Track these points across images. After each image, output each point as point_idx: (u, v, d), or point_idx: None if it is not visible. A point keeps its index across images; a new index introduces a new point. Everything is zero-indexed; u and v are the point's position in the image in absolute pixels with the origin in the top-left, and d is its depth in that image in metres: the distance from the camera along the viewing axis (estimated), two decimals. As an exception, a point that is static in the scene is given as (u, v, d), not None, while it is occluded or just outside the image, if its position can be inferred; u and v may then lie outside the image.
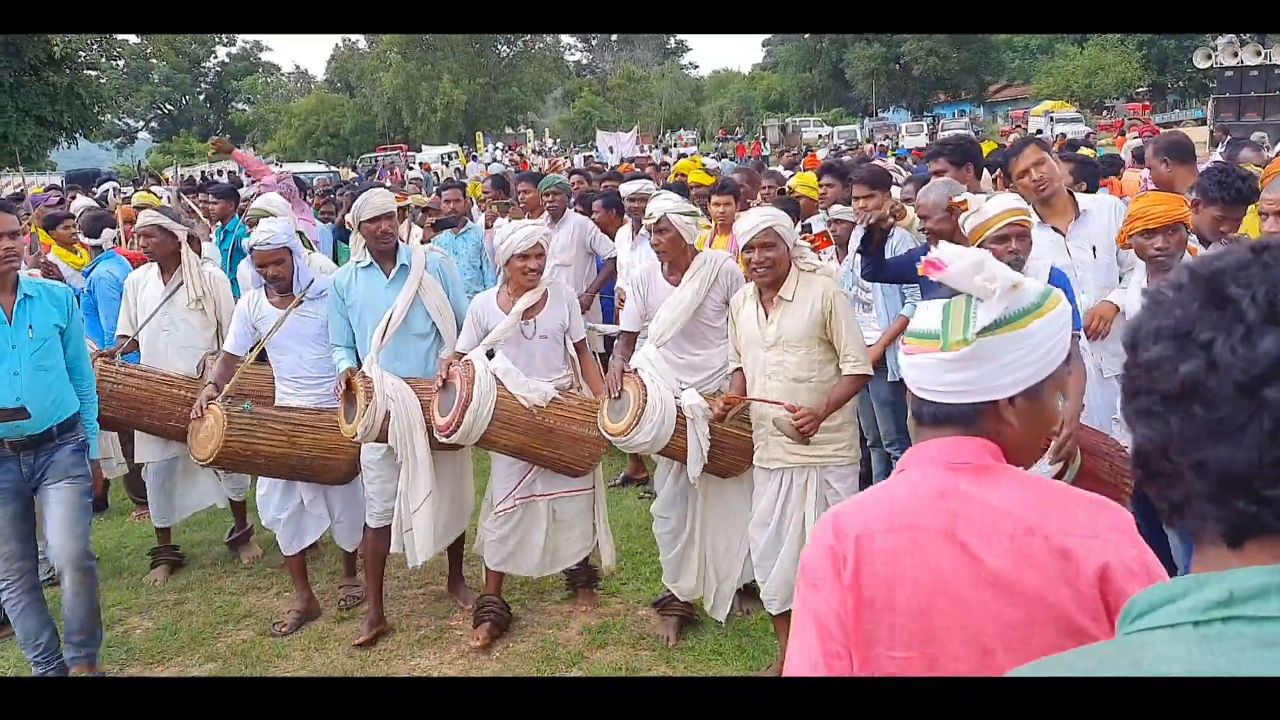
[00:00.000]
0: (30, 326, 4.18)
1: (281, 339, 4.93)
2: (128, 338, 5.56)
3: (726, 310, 4.43)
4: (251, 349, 4.95)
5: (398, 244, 4.85)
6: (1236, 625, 0.85)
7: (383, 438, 4.57)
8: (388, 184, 11.02)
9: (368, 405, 4.42)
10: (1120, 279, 4.52)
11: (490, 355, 4.61)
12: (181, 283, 5.58)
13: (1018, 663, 1.37)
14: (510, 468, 4.74)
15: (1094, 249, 4.53)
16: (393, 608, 5.11)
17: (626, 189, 7.25)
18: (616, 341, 4.99)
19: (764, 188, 8.02)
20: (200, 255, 6.23)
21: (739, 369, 4.23)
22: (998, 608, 1.54)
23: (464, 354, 4.56)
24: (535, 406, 4.48)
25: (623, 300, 5.46)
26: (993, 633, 1.54)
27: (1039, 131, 26.71)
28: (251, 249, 4.90)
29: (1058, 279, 3.84)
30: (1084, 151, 11.10)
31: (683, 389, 4.40)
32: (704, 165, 11.50)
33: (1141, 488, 1.00)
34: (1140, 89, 50.98)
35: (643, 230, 5.74)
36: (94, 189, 13.83)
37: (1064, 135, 23.23)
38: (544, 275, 4.73)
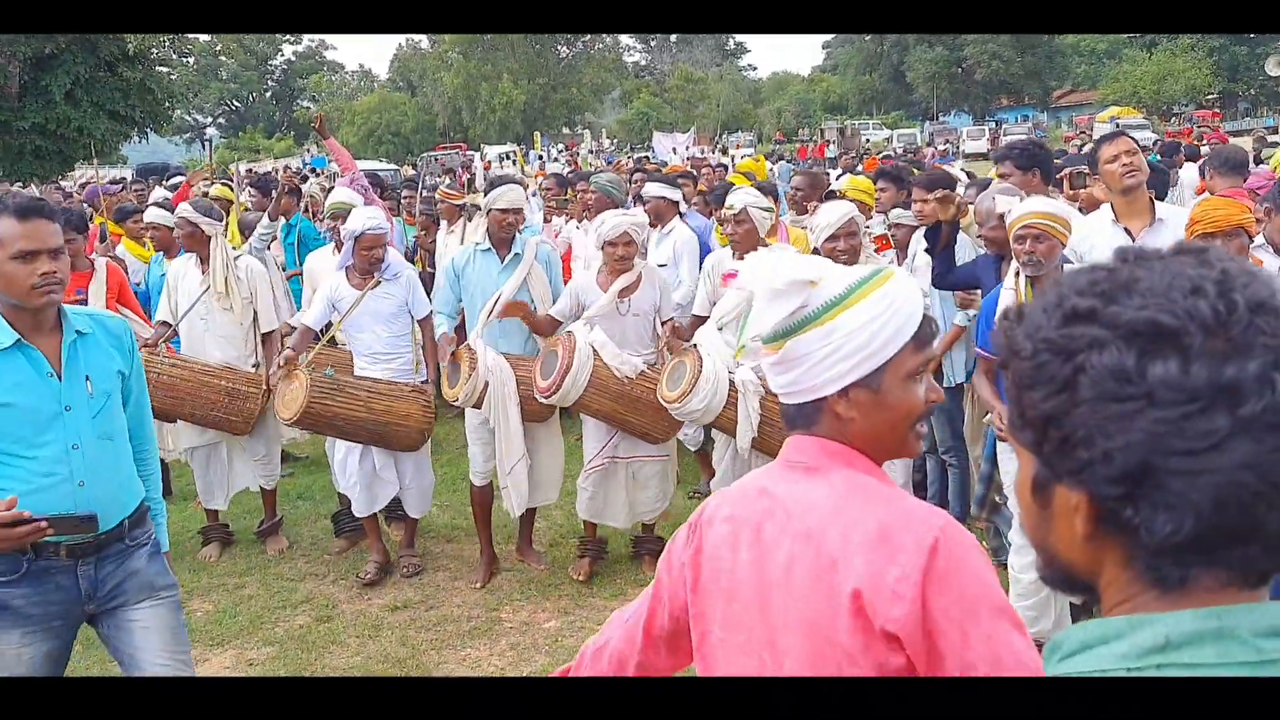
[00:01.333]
0: (88, 378, 2.88)
1: (360, 318, 5.36)
2: (168, 325, 5.77)
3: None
4: (328, 327, 5.38)
5: (515, 234, 5.34)
6: (1171, 673, 0.81)
7: (478, 405, 5.08)
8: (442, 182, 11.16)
9: (470, 375, 4.92)
10: None
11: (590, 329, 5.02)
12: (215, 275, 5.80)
13: (785, 664, 1.52)
14: (598, 430, 5.24)
15: None
16: (445, 599, 5.21)
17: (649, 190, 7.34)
18: (687, 324, 5.44)
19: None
20: (245, 243, 6.71)
21: None
22: (777, 607, 1.55)
23: (559, 321, 5.13)
24: (626, 377, 4.88)
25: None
26: (769, 632, 1.56)
27: (1097, 138, 26.20)
28: (361, 233, 5.25)
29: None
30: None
31: (739, 365, 4.69)
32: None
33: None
34: (1210, 96, 49.88)
35: (663, 227, 6.57)
36: (165, 182, 14.16)
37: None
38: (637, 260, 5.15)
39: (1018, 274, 4.01)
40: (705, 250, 6.50)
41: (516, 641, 4.72)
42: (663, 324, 5.22)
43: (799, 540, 1.53)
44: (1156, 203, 4.65)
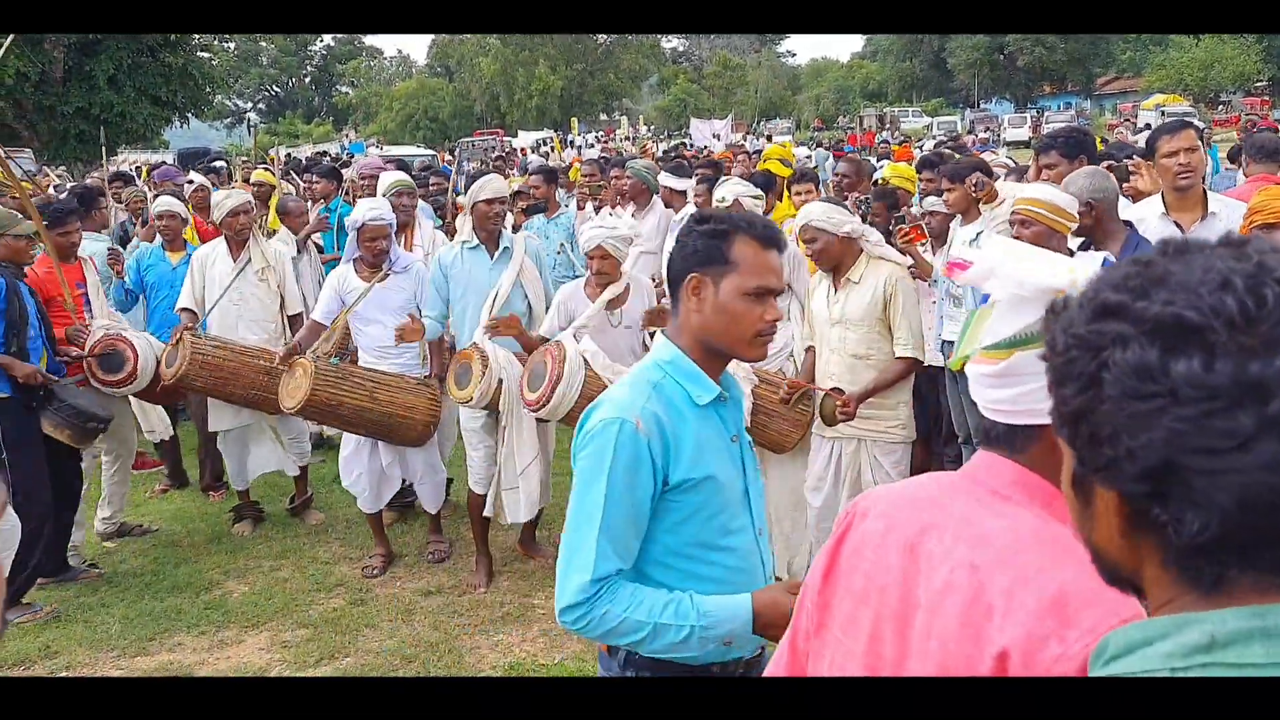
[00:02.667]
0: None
1: (368, 311, 5.30)
2: (190, 311, 5.83)
3: (791, 294, 4.91)
4: (336, 319, 5.31)
5: (502, 229, 5.27)
6: (1217, 673, 0.78)
7: (491, 405, 4.93)
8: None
9: (484, 373, 4.78)
10: None
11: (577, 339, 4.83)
12: (250, 259, 5.90)
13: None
14: None
15: None
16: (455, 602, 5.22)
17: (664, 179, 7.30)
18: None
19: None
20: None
21: (810, 347, 4.70)
22: (918, 632, 1.39)
23: (547, 339, 4.83)
24: None
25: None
26: (899, 653, 1.41)
27: (1147, 126, 25.78)
28: (363, 224, 5.22)
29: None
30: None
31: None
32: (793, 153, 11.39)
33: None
34: (1260, 83, 48.83)
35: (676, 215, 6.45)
36: (206, 165, 14.32)
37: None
38: (626, 268, 5.01)
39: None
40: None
41: (548, 628, 4.72)
42: (651, 335, 5.10)
43: (962, 570, 1.34)
44: (1210, 194, 4.54)
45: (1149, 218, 4.52)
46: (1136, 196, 5.21)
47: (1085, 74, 61.36)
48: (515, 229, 7.89)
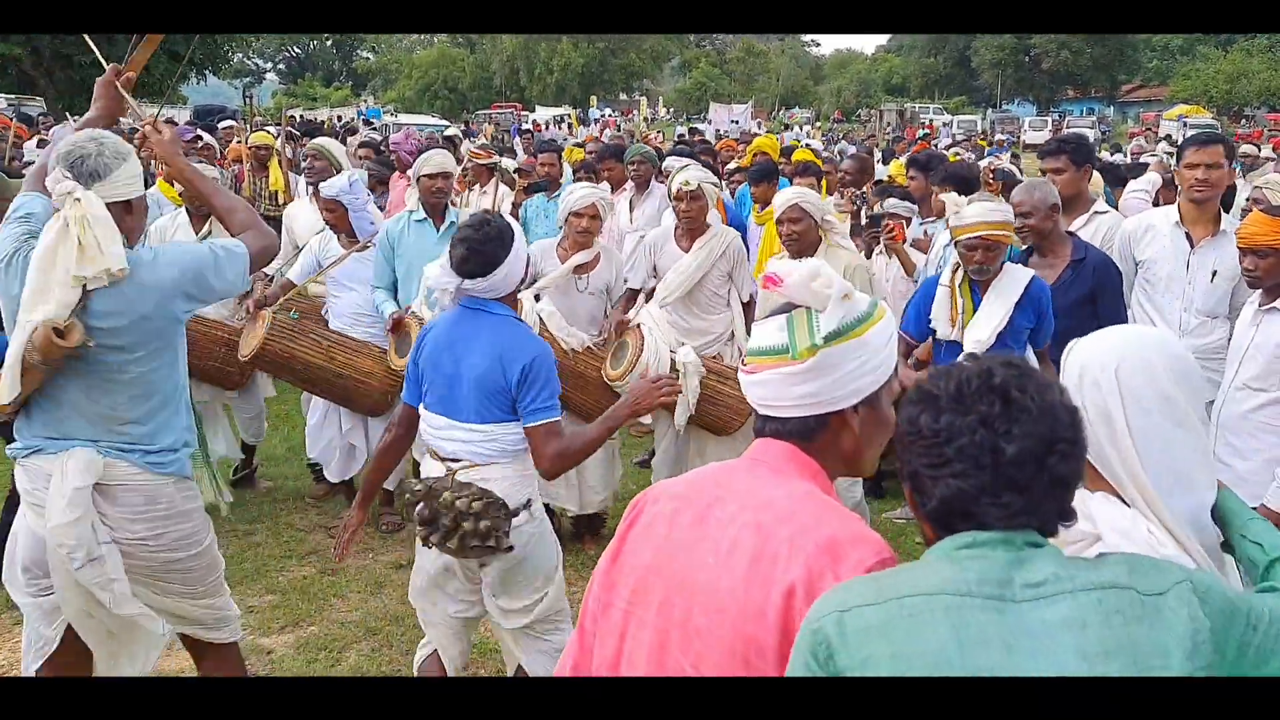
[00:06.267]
0: None
1: (344, 278, 5.36)
2: None
3: (730, 282, 5.19)
4: (308, 280, 5.39)
5: (448, 203, 5.39)
6: (937, 557, 1.41)
7: None
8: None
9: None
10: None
11: (537, 299, 4.92)
12: (211, 231, 5.66)
13: (693, 645, 1.58)
14: None
15: (1214, 273, 4.37)
16: (449, 560, 5.23)
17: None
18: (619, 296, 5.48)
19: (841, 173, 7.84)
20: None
21: None
22: (704, 587, 1.58)
23: None
24: (571, 350, 4.78)
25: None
26: (686, 607, 1.60)
27: (1167, 136, 25.59)
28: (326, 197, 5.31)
29: (1037, 289, 3.99)
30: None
31: (680, 344, 4.85)
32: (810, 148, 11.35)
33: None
34: (1285, 99, 48.46)
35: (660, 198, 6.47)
36: (216, 125, 14.27)
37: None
38: (601, 237, 5.15)
39: (956, 270, 4.12)
40: (738, 227, 6.41)
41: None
42: (612, 307, 5.23)
43: (747, 530, 1.57)
44: (1224, 214, 4.58)
45: (1161, 225, 4.58)
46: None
47: (1110, 80, 60.98)
48: (516, 207, 7.87)
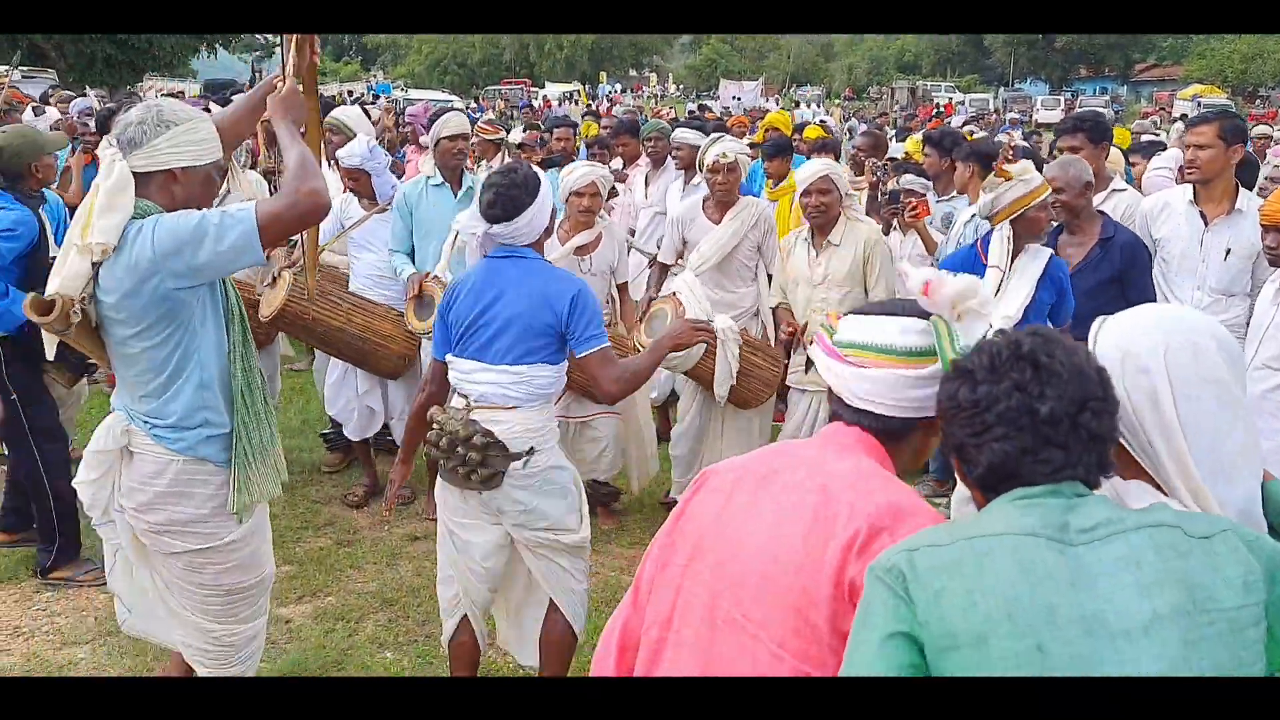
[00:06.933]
0: None
1: (364, 239, 5.43)
2: None
3: (759, 255, 5.24)
4: (330, 240, 5.44)
5: (464, 169, 5.38)
6: (995, 508, 1.51)
7: None
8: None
9: None
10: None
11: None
12: (229, 191, 5.75)
13: (740, 594, 1.67)
14: None
15: (1228, 251, 4.38)
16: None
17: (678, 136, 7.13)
18: (649, 272, 5.52)
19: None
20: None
21: (783, 304, 4.94)
22: (761, 541, 1.67)
23: None
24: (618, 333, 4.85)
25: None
26: (741, 566, 1.68)
27: (1183, 116, 25.39)
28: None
29: (1056, 266, 4.09)
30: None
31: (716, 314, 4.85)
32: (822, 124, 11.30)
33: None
34: (1301, 79, 48.01)
35: (696, 179, 6.22)
36: (231, 99, 14.27)
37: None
38: (602, 216, 5.15)
39: (1007, 240, 4.13)
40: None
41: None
42: (617, 287, 5.25)
43: (812, 493, 1.67)
44: (1243, 191, 4.56)
45: (1177, 203, 4.62)
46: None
47: (1124, 59, 60.43)
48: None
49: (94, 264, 2.68)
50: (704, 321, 4.06)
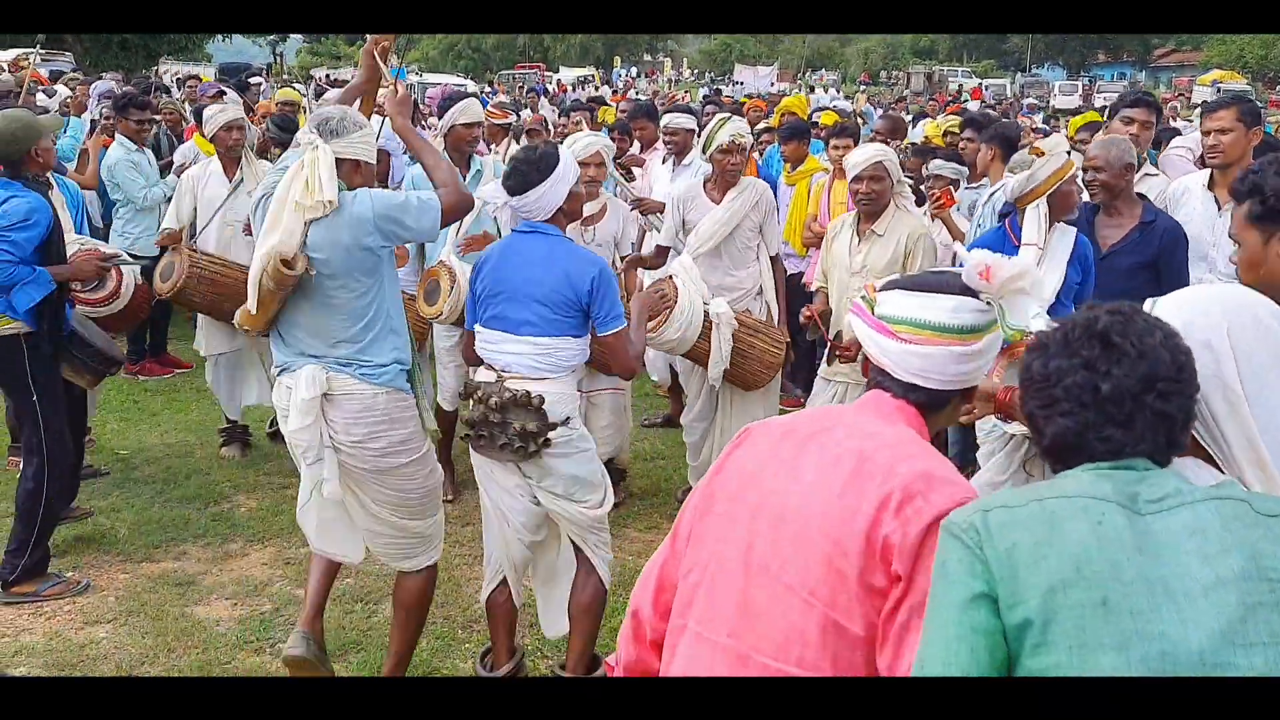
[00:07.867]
0: None
1: None
2: (170, 230, 5.71)
3: (759, 236, 5.15)
4: None
5: (473, 153, 5.48)
6: (1069, 478, 1.52)
7: (458, 320, 4.88)
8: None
9: (452, 288, 4.80)
10: None
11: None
12: (243, 179, 5.76)
13: (774, 542, 1.73)
14: None
15: None
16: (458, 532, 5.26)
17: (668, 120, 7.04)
18: (651, 253, 5.54)
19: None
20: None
21: (822, 288, 4.91)
22: (798, 494, 1.73)
23: None
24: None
25: None
26: (777, 514, 1.74)
27: (1203, 102, 25.15)
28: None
29: (1082, 245, 4.10)
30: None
31: (713, 297, 4.86)
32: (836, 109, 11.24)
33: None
34: (1323, 65, 47.51)
35: (686, 159, 6.33)
36: (247, 82, 14.25)
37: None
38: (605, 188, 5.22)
39: (1044, 217, 4.12)
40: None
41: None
42: (622, 259, 5.25)
43: (851, 453, 1.73)
44: None
45: (1194, 188, 4.65)
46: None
47: (1143, 44, 59.91)
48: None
49: (306, 223, 3.18)
50: (660, 286, 4.26)
